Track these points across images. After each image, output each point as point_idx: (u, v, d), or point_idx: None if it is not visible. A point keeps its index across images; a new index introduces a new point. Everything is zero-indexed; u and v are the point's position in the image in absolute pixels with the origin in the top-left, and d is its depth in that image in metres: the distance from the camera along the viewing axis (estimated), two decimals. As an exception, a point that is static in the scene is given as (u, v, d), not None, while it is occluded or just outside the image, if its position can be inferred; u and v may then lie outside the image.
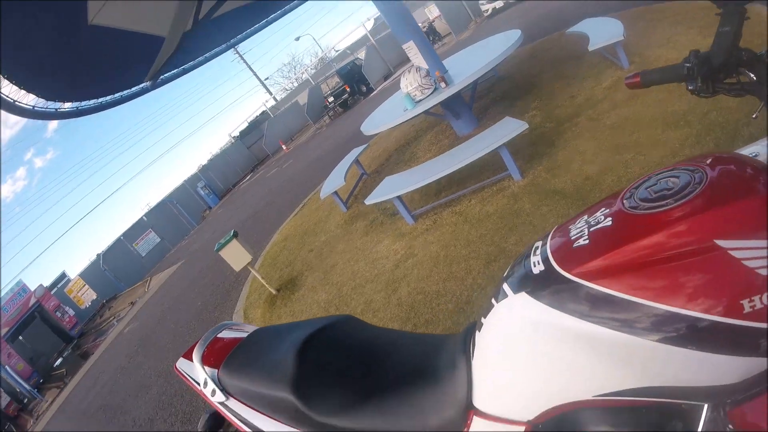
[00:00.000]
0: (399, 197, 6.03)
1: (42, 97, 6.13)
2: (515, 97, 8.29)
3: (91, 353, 15.90)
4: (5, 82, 5.20)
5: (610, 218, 1.21)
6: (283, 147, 32.42)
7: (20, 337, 20.26)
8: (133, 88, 8.40)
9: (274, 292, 7.22)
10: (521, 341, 1.30)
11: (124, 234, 28.85)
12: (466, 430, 1.47)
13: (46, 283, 25.81)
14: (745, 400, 1.10)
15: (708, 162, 1.16)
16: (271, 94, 54.25)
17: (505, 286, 1.36)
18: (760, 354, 1.01)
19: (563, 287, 1.20)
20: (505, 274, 1.41)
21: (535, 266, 1.31)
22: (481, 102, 9.13)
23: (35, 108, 6.11)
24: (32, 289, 21.74)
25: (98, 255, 27.91)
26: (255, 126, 39.75)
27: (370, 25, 38.68)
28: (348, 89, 29.12)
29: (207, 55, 9.94)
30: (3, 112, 5.29)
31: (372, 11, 31.29)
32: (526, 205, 4.88)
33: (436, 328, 4.02)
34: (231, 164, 36.79)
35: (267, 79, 67.56)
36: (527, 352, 1.29)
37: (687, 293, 1.03)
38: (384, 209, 7.20)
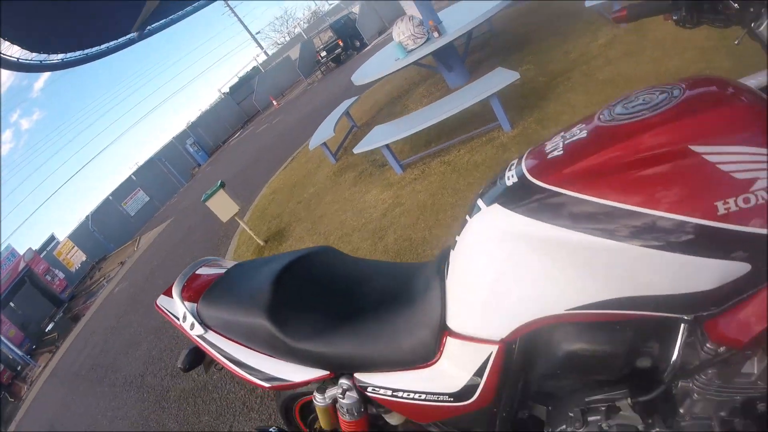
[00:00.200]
0: (387, 146, 5.97)
1: (27, 49, 5.98)
2: (509, 52, 8.21)
3: (81, 315, 15.83)
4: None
5: (585, 131, 1.20)
6: (274, 103, 32.17)
7: (11, 304, 20.12)
8: (120, 39, 8.24)
9: (262, 243, 7.19)
10: (494, 255, 1.27)
11: (113, 194, 28.64)
12: (440, 351, 1.46)
13: (35, 246, 25.71)
14: (721, 313, 1.08)
15: (687, 81, 1.16)
16: (262, 48, 53.55)
17: (479, 201, 1.33)
18: (735, 258, 1.00)
19: (537, 196, 1.18)
20: (480, 191, 1.37)
21: (509, 180, 1.27)
22: (474, 56, 9.06)
23: (20, 60, 5.96)
24: (21, 253, 21.66)
25: (87, 216, 27.72)
26: (245, 81, 39.35)
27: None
28: (341, 44, 28.89)
29: (195, 4, 9.74)
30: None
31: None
32: (515, 154, 4.71)
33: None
34: (221, 120, 36.42)
35: (258, 33, 66.38)
36: (500, 266, 1.27)
37: (660, 195, 1.02)
38: (373, 160, 7.16)
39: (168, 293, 1.99)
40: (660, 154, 1.03)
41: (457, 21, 7.14)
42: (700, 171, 1.00)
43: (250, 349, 1.77)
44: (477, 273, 1.33)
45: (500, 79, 5.21)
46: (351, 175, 7.39)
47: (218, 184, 6.62)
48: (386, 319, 1.57)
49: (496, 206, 1.25)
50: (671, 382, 1.28)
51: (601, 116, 1.21)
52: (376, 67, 8.28)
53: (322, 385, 1.78)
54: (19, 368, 15.86)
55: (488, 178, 1.43)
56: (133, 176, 29.81)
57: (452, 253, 1.42)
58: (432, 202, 5.06)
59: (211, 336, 1.83)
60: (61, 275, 23.14)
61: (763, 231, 0.96)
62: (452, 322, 1.42)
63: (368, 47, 27.20)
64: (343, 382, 1.66)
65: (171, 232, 17.17)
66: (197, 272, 2.06)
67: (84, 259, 25.71)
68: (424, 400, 1.51)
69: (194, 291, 1.93)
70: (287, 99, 31.22)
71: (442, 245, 4.14)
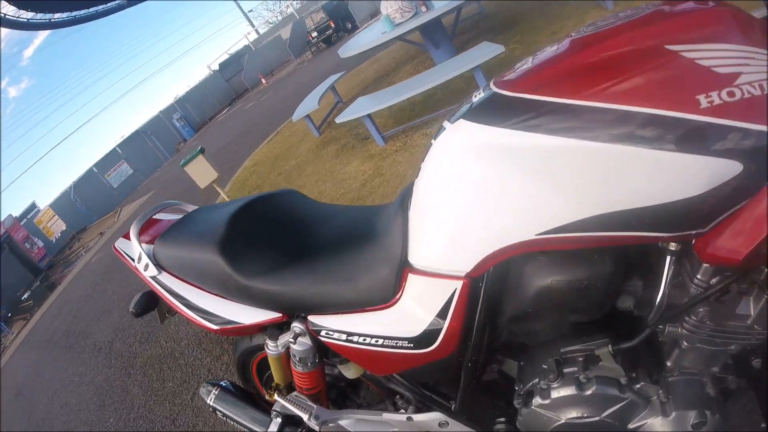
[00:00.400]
0: (369, 116, 5.92)
1: (14, 6, 5.83)
2: (498, 32, 8.23)
3: (58, 284, 15.68)
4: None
5: (556, 45, 1.13)
6: (263, 81, 31.96)
7: (-11, 270, 19.76)
8: (109, 4, 8.05)
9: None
10: (459, 176, 1.15)
11: (96, 165, 28.37)
12: (400, 290, 1.34)
13: (16, 213, 25.43)
14: (713, 229, 0.97)
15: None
16: (253, 26, 53.15)
17: (444, 123, 1.21)
18: (723, 154, 0.90)
19: (506, 105, 1.08)
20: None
21: (475, 98, 1.18)
22: (463, 36, 9.08)
23: (6, 16, 5.80)
24: (1, 219, 21.38)
25: (70, 186, 27.44)
26: (235, 59, 39.03)
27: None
28: (333, 25, 28.93)
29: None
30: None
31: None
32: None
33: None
34: (208, 97, 36.14)
35: (251, 11, 66.14)
36: (465, 188, 1.14)
37: (637, 92, 0.93)
38: (356, 134, 7.14)
39: (127, 236, 1.91)
40: (634, 52, 0.95)
41: (446, -3, 7.10)
42: (678, 66, 0.92)
43: (203, 290, 1.70)
44: (440, 200, 1.22)
45: (484, 52, 5.16)
46: (333, 148, 7.37)
47: (197, 149, 6.53)
48: (344, 257, 1.47)
49: (461, 121, 1.14)
50: (657, 326, 1.18)
51: (572, 34, 1.13)
52: (362, 40, 8.22)
53: (275, 331, 1.69)
54: (-7, 335, 15.63)
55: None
56: (117, 148, 29.56)
57: (416, 183, 1.31)
58: (412, 173, 4.77)
59: (165, 277, 1.76)
60: (41, 243, 22.88)
61: (753, 126, 0.88)
62: (414, 258, 1.31)
63: (360, 29, 27.13)
64: (296, 325, 1.55)
65: (152, 203, 16.74)
66: (157, 217, 1.99)
67: (64, 228, 25.38)
68: (382, 345, 1.40)
69: (152, 234, 1.86)
70: (276, 77, 31.06)
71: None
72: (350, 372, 1.64)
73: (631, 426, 1.29)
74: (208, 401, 1.94)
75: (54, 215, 25.52)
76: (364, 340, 1.42)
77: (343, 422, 1.72)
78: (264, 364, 1.93)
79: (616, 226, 0.99)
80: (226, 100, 36.47)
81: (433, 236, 1.25)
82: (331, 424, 1.71)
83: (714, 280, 1.07)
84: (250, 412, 1.88)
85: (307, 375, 1.66)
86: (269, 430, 1.78)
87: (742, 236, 0.93)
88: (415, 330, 1.33)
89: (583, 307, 1.19)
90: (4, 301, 18.10)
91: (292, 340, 1.57)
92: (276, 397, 1.78)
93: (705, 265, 1.06)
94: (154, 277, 1.78)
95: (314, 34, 29.56)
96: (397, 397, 1.68)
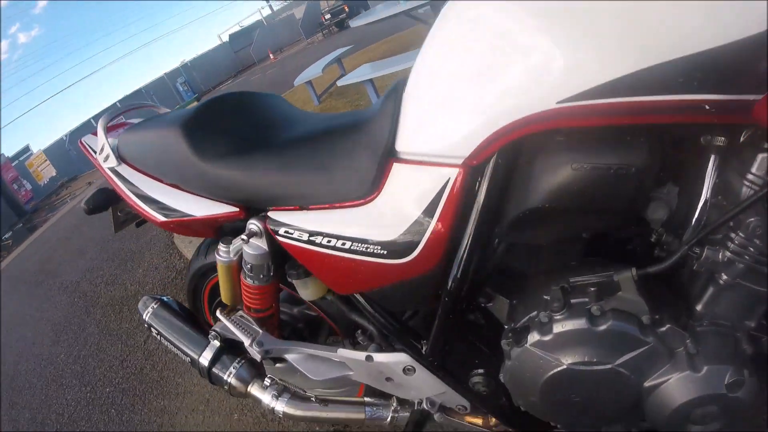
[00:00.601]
0: (371, 80, 5.79)
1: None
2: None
3: (40, 227, 15.50)
4: None
5: None
6: (271, 56, 31.91)
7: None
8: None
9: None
10: (471, 33, 0.94)
11: (95, 117, 27.96)
12: (381, 183, 1.12)
13: (9, 153, 25.16)
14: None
15: None
16: (268, 2, 52.43)
17: None
18: None
19: None
20: None
21: None
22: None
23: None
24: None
25: (66, 134, 27.19)
26: (247, 32, 38.83)
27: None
28: (347, 10, 28.77)
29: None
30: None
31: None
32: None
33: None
34: (215, 65, 35.93)
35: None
36: (476, 47, 0.94)
37: None
38: (357, 105, 6.97)
39: (95, 133, 1.77)
40: None
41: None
42: None
43: (161, 182, 1.52)
44: (445, 70, 1.00)
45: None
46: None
47: (193, 96, 6.33)
48: (318, 144, 1.27)
49: None
50: (694, 245, 0.94)
51: None
52: (376, 13, 8.05)
53: (229, 237, 1.50)
54: (-34, 271, 15.39)
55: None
56: (118, 103, 28.96)
57: (417, 59, 1.08)
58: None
59: (123, 169, 1.61)
60: (29, 186, 22.57)
61: None
62: (403, 145, 1.09)
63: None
64: (253, 223, 1.34)
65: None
66: (132, 121, 1.86)
67: (54, 174, 25.09)
68: (349, 250, 1.18)
69: (121, 128, 1.74)
70: (285, 55, 30.97)
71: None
72: (307, 291, 1.42)
73: (649, 382, 1.04)
74: (143, 316, 1.74)
75: (46, 160, 25.23)
76: (329, 241, 1.20)
77: (289, 356, 1.52)
78: (217, 291, 1.70)
79: (657, 88, 0.77)
80: (232, 71, 36.27)
81: (429, 116, 1.03)
82: (274, 356, 1.52)
83: None
84: (188, 333, 1.67)
85: (257, 290, 1.46)
86: (203, 354, 1.58)
87: None
88: (393, 233, 1.11)
89: (609, 204, 0.95)
90: (-16, 238, 17.84)
91: (245, 239, 1.35)
92: (218, 314, 1.58)
93: (761, 156, 0.85)
94: (112, 168, 1.62)
95: (327, 16, 29.55)
96: (359, 332, 1.47)
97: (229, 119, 1.46)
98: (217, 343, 1.58)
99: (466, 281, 1.13)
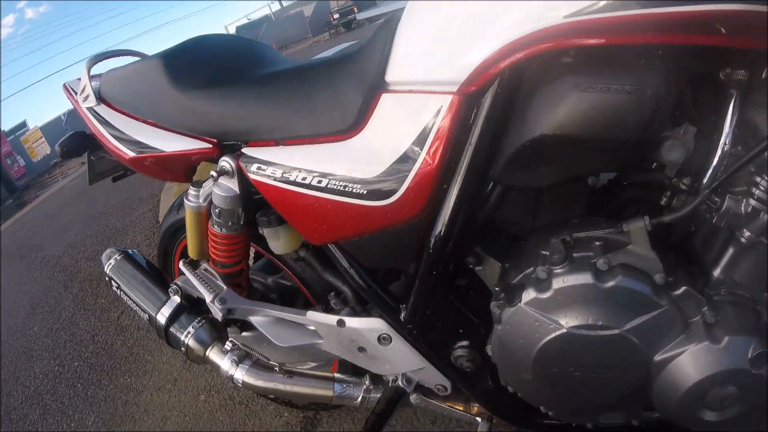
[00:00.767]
0: None
1: None
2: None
3: (29, 204, 15.43)
4: None
5: None
6: (277, 52, 31.74)
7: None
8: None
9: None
10: None
11: (94, 98, 27.76)
12: (367, 117, 1.02)
13: (6, 128, 25.05)
14: None
15: None
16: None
17: None
18: None
19: None
20: None
21: None
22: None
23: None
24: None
25: (64, 113, 27.05)
26: (254, 25, 38.90)
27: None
28: (356, 11, 29.05)
29: None
30: None
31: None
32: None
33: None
34: (218, 55, 35.70)
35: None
36: None
37: None
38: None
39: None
40: None
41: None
42: None
43: (137, 120, 1.42)
44: None
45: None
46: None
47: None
48: (302, 75, 1.18)
49: None
50: (714, 191, 0.84)
51: None
52: (384, 6, 8.00)
53: (201, 182, 1.38)
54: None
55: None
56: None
57: None
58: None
59: (101, 108, 1.52)
60: (22, 162, 22.42)
61: None
62: (393, 75, 0.98)
63: (382, 20, 27.61)
64: (225, 160, 1.22)
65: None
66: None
67: (48, 152, 24.83)
68: (326, 189, 1.06)
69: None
70: (290, 51, 30.92)
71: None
72: (279, 243, 1.30)
73: (661, 354, 0.91)
74: (105, 268, 1.62)
75: (41, 137, 25.08)
76: (305, 179, 1.08)
77: (255, 318, 1.38)
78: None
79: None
80: (236, 63, 36.17)
81: (424, 42, 0.92)
82: (238, 317, 1.38)
83: None
84: (149, 289, 1.55)
85: (225, 240, 1.34)
86: (161, 311, 1.46)
87: None
88: (376, 170, 1.00)
89: (621, 132, 0.83)
90: (-28, 212, 17.71)
91: (214, 175, 1.23)
92: (181, 265, 1.45)
93: None
94: (90, 108, 1.54)
95: (336, 15, 29.66)
96: (332, 295, 1.34)
97: (214, 54, 1.40)
98: (177, 299, 1.45)
99: (454, 232, 1.00)
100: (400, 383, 1.29)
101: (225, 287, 1.38)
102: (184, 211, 1.45)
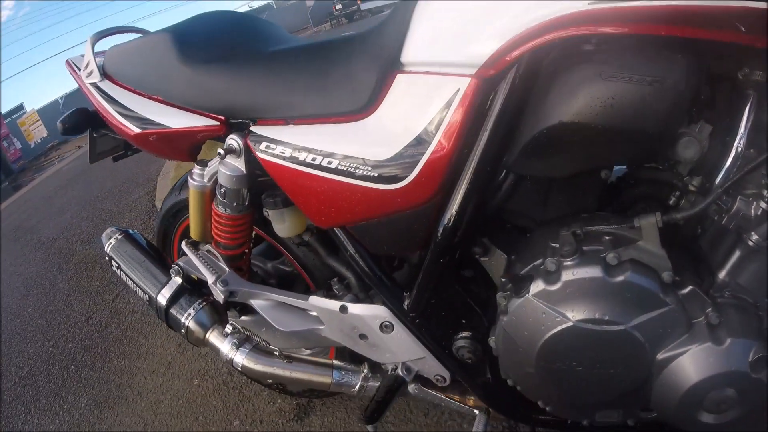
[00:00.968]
0: None
1: None
2: None
3: (24, 186, 15.36)
4: None
5: None
6: (275, 40, 31.66)
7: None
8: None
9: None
10: None
11: (93, 82, 27.64)
12: (381, 97, 0.99)
13: (3, 110, 24.87)
14: None
15: None
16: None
17: None
18: None
19: None
20: None
21: None
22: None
23: None
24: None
25: (61, 96, 26.91)
26: (255, 13, 38.23)
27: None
28: (359, 2, 28.68)
29: None
30: None
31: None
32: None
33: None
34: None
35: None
36: None
37: None
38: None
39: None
40: None
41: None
42: None
43: (142, 95, 1.40)
44: None
45: None
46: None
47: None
48: (314, 53, 1.16)
49: None
50: (726, 191, 0.83)
51: None
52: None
53: (206, 160, 1.37)
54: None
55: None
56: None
57: None
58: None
59: (105, 84, 1.50)
60: (18, 145, 22.31)
61: None
62: (409, 55, 0.96)
63: (384, 13, 27.34)
64: (233, 137, 1.21)
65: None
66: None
67: (45, 135, 24.75)
68: (336, 170, 1.04)
69: None
70: (291, 40, 30.86)
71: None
72: (284, 225, 1.29)
73: (664, 353, 0.91)
74: (105, 248, 1.60)
75: (38, 120, 24.87)
76: (314, 159, 1.06)
77: (256, 302, 1.37)
78: (188, 233, 1.57)
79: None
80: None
81: (444, 22, 0.90)
82: (240, 300, 1.37)
83: None
84: (150, 269, 1.53)
85: (229, 221, 1.33)
86: (161, 292, 1.44)
87: None
88: (388, 152, 0.98)
89: (639, 123, 0.82)
90: (-33, 195, 17.64)
91: (221, 153, 1.21)
92: (183, 245, 1.44)
93: None
94: (94, 84, 1.52)
95: (339, 6, 29.42)
96: (335, 280, 1.33)
97: (223, 31, 1.38)
98: (178, 280, 1.43)
99: (464, 221, 0.99)
100: (399, 372, 1.28)
101: (227, 269, 1.37)
102: (187, 191, 1.44)
